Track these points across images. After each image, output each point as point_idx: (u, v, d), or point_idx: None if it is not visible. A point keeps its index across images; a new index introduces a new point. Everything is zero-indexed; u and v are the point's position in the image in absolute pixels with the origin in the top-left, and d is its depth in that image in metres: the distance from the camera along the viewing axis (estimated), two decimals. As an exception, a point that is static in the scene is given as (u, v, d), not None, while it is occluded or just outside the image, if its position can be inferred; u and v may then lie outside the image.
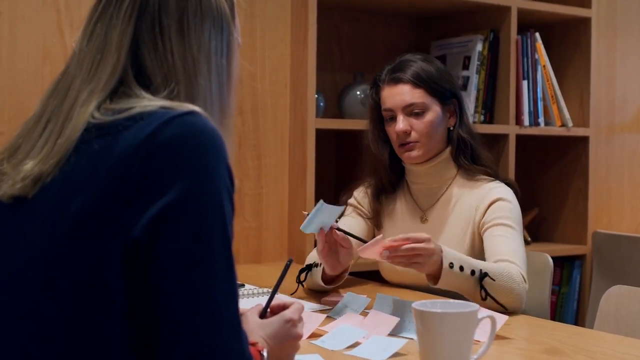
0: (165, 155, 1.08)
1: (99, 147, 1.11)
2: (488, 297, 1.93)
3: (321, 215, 1.93)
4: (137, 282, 1.07)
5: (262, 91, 2.96)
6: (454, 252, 1.96)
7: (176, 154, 1.09)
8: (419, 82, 2.21)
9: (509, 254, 2.07)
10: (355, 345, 1.65)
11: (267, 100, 2.97)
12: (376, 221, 2.39)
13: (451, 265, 1.92)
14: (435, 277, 1.95)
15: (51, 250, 1.09)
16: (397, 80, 2.23)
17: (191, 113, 1.13)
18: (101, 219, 1.07)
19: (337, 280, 2.16)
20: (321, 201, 1.91)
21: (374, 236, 2.39)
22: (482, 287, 1.93)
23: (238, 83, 3.12)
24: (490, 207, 2.19)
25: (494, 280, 1.94)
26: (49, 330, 1.08)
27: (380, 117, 2.30)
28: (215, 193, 1.10)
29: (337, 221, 2.02)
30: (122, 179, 1.08)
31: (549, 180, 3.53)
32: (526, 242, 2.75)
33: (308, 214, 1.93)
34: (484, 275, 1.93)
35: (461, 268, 1.93)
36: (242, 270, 2.69)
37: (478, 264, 1.97)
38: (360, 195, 2.42)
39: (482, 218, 2.20)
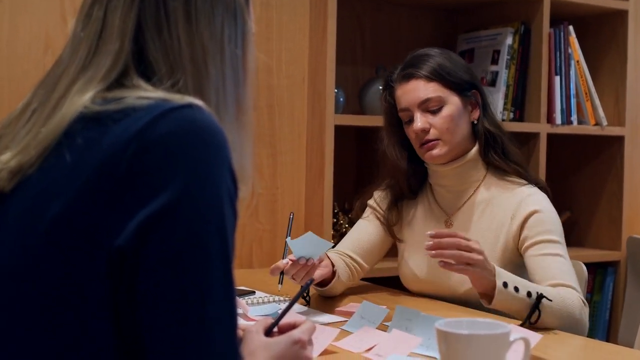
0: (157, 153, 0.96)
1: (84, 141, 0.99)
2: (539, 321, 1.79)
3: (309, 244, 1.88)
4: (122, 297, 0.95)
5: (278, 85, 2.82)
6: (505, 271, 1.83)
7: (170, 151, 0.96)
8: (432, 75, 2.06)
9: (563, 277, 1.92)
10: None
11: (283, 95, 2.83)
12: (391, 232, 2.22)
13: (505, 285, 1.78)
14: (488, 296, 1.82)
15: (24, 261, 0.98)
16: (409, 77, 2.09)
17: (190, 106, 1.00)
18: (81, 226, 0.95)
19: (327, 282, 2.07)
20: (310, 232, 1.90)
21: (391, 244, 2.24)
22: (537, 310, 1.78)
23: (253, 76, 2.97)
24: (528, 220, 2.02)
25: (552, 301, 1.80)
26: (22, 348, 0.96)
27: (397, 120, 2.15)
28: (215, 196, 0.97)
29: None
30: (107, 180, 0.95)
31: (581, 182, 3.39)
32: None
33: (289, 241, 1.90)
34: (540, 296, 1.78)
35: (516, 289, 1.78)
36: (255, 275, 2.56)
37: (533, 286, 1.83)
38: (380, 196, 2.26)
39: (519, 231, 2.03)
